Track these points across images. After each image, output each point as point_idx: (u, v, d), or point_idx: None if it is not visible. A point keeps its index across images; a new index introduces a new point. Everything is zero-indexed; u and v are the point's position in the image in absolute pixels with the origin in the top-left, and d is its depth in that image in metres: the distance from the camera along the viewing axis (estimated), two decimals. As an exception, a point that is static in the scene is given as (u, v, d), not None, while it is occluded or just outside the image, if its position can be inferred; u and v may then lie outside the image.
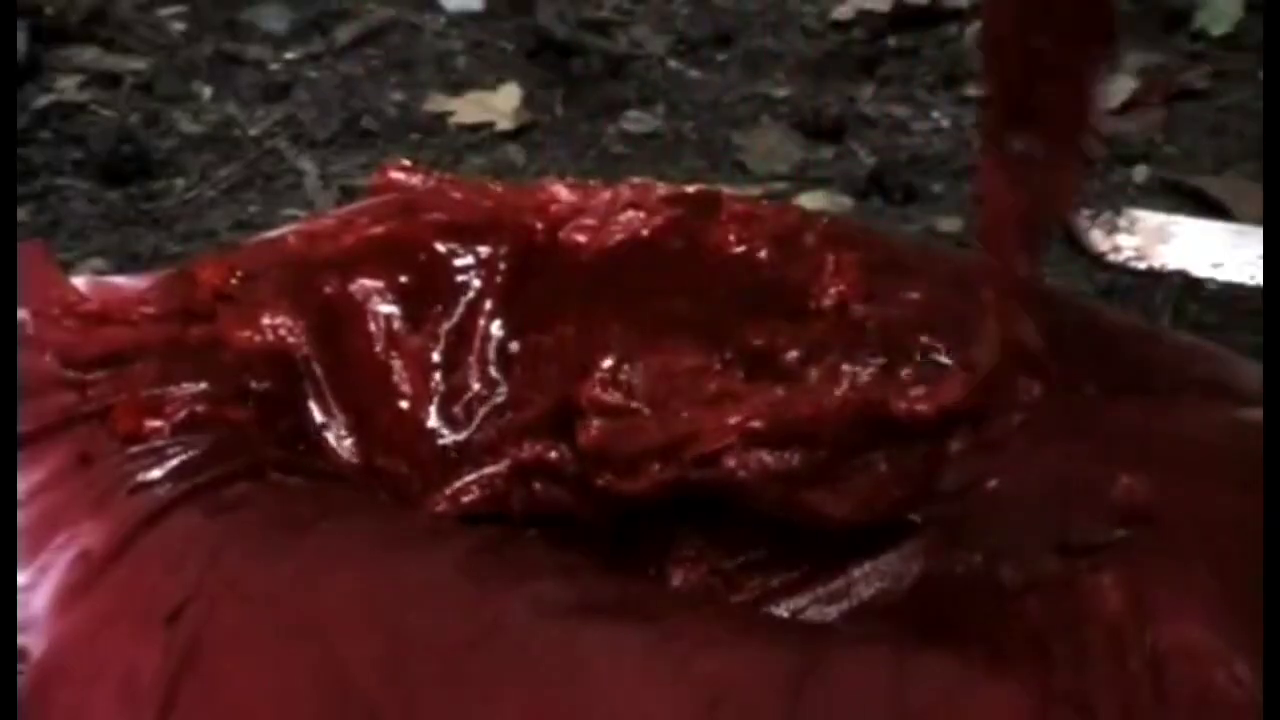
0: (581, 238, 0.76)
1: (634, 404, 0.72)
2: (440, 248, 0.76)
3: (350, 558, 0.57)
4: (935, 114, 1.39)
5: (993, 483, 0.66)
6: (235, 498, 0.59)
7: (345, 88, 1.36)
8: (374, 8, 1.47)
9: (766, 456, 0.71)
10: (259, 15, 1.49)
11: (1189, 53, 1.53)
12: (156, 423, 0.62)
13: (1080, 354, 0.69)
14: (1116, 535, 0.58)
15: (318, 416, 0.71)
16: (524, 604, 0.55)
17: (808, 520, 0.69)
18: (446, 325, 0.75)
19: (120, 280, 0.75)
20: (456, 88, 1.36)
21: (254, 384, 0.68)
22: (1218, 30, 1.55)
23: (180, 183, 1.22)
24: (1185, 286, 1.17)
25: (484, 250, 0.76)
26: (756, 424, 0.70)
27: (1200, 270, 1.19)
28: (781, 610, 0.69)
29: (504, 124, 1.30)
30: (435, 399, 0.75)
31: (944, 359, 0.71)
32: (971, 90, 1.45)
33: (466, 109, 1.32)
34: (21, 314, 0.66)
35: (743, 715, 0.52)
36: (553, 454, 0.73)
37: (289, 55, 1.41)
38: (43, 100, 1.35)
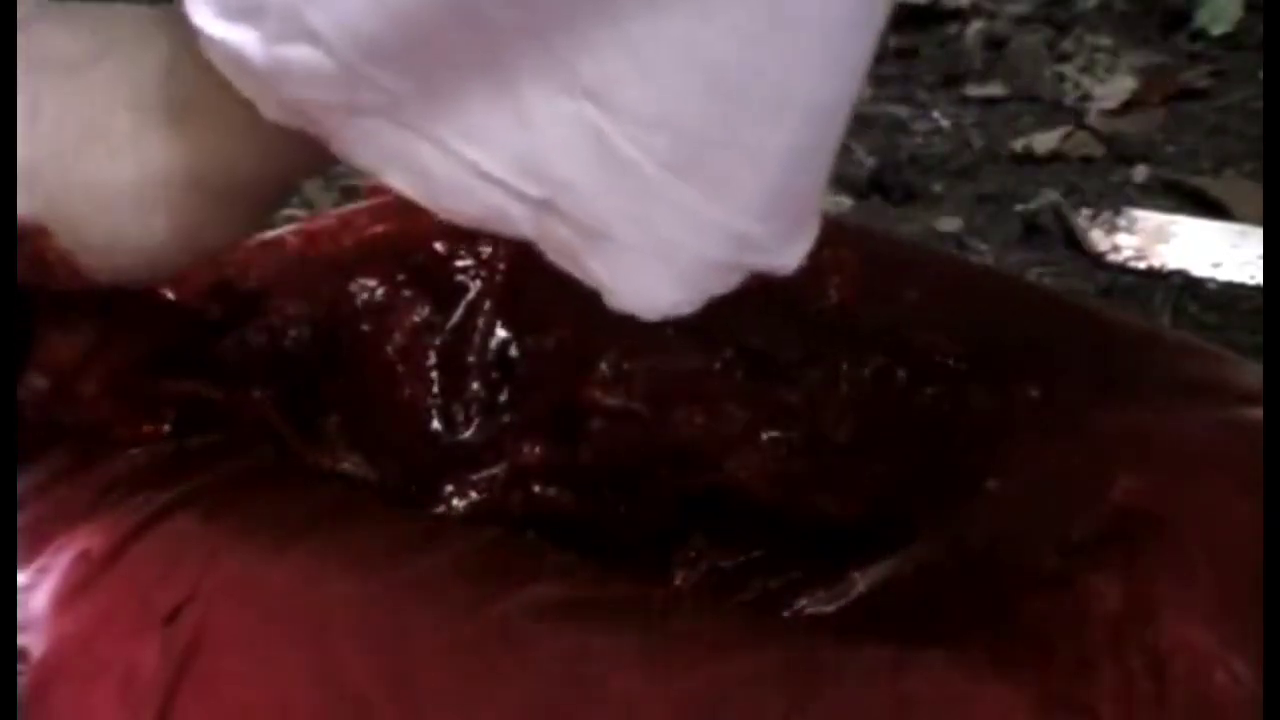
0: (581, 238, 0.76)
1: (634, 405, 0.72)
2: (440, 248, 0.76)
3: (350, 558, 0.57)
4: (935, 114, 1.39)
5: (993, 483, 0.66)
6: (235, 498, 0.59)
7: (345, 88, 1.35)
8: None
9: (767, 457, 0.71)
10: (259, 16, 1.48)
11: (1189, 53, 1.53)
12: (156, 423, 0.62)
13: (1079, 354, 0.69)
14: (1116, 535, 0.58)
15: (316, 418, 0.71)
16: (524, 605, 0.55)
17: (808, 520, 0.69)
18: (446, 325, 0.75)
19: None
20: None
21: (252, 385, 0.68)
22: (1218, 30, 1.55)
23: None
24: (1185, 286, 1.17)
25: (484, 250, 0.76)
26: (757, 425, 0.69)
27: (1200, 270, 1.19)
28: (781, 610, 0.68)
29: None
30: (435, 400, 0.75)
31: (944, 359, 0.71)
32: (972, 90, 1.45)
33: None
34: None
35: (743, 716, 0.52)
36: (553, 455, 0.73)
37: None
38: (42, 101, 1.35)
